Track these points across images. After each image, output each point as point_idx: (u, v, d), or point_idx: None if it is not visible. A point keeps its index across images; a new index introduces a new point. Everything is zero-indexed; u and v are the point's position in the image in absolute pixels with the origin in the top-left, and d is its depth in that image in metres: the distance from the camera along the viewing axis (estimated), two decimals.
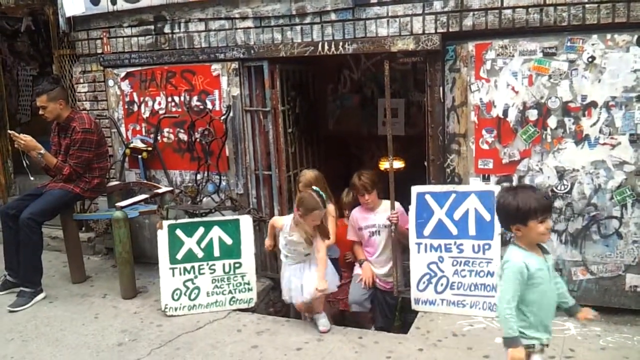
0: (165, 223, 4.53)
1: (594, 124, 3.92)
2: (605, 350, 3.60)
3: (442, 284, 4.23)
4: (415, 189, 4.31)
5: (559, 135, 4.02)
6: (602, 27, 3.81)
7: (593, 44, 3.86)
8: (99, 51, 5.56)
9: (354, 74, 6.51)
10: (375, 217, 4.58)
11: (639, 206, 3.90)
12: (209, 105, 5.06)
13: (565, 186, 4.05)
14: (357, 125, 6.62)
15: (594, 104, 3.91)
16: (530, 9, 3.93)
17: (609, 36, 3.82)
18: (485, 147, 4.24)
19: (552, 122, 4.03)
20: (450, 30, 4.16)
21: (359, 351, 3.78)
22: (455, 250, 4.20)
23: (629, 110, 3.83)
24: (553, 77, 3.97)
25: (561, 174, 4.05)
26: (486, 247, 4.14)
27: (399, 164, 5.95)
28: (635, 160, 3.85)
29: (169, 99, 5.25)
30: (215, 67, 4.97)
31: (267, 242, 4.39)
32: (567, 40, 3.91)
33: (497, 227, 4.12)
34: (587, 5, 3.80)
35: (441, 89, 4.29)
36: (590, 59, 3.86)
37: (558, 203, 4.08)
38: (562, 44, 3.93)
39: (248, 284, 4.60)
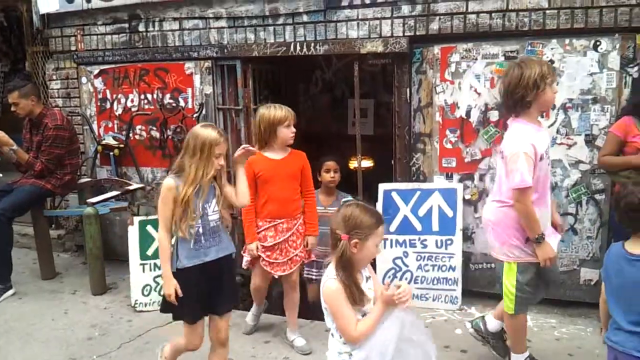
0: (136, 219, 4.57)
1: (552, 124, 4.09)
2: (559, 341, 3.76)
3: (406, 278, 4.37)
4: (382, 187, 4.44)
5: None
6: (561, 32, 3.99)
7: (552, 48, 4.03)
8: (73, 48, 5.57)
9: (325, 75, 6.63)
10: (547, 134, 3.29)
11: (593, 203, 4.08)
12: (182, 103, 5.13)
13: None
14: (327, 124, 6.73)
15: (552, 106, 4.07)
16: (493, 14, 4.09)
17: (567, 41, 4.00)
18: (449, 146, 4.39)
19: None
20: (417, 33, 4.30)
21: (325, 343, 3.86)
22: (420, 246, 4.35)
23: (585, 112, 4.01)
24: None
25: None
26: (448, 242, 4.30)
27: (368, 163, 6.07)
28: (590, 160, 4.03)
29: (142, 97, 5.30)
30: (189, 66, 5.04)
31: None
32: (528, 45, 4.08)
33: (459, 223, 4.27)
34: (547, 12, 3.97)
35: (408, 90, 4.43)
36: (549, 63, 4.03)
37: None
38: (523, 48, 4.09)
39: None
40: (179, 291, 2.98)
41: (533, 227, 3.00)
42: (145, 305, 4.55)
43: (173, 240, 3.05)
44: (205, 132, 2.96)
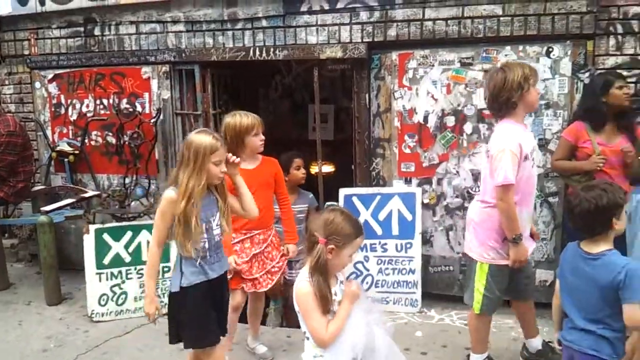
0: (92, 227, 4.48)
1: None
2: (517, 341, 3.82)
3: (367, 282, 4.39)
4: (342, 191, 4.45)
5: (474, 140, 4.27)
6: (515, 39, 4.09)
7: (506, 55, 4.12)
8: (26, 52, 5.44)
9: (285, 80, 6.63)
10: (533, 136, 3.43)
11: (547, 206, 4.18)
12: (139, 108, 5.06)
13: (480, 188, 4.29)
14: (288, 130, 6.73)
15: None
16: (449, 21, 4.17)
17: (521, 47, 4.10)
18: (408, 151, 4.45)
19: (468, 128, 4.27)
20: (376, 39, 4.35)
21: (287, 349, 3.88)
22: (380, 250, 4.38)
23: (538, 117, 4.11)
24: (469, 86, 4.22)
25: (476, 176, 4.28)
26: (408, 245, 4.35)
27: (329, 168, 6.09)
28: (544, 163, 4.13)
29: (98, 102, 5.21)
30: (146, 70, 4.98)
31: None
32: (483, 51, 4.17)
33: (419, 227, 4.32)
34: (501, 19, 4.07)
35: (367, 95, 4.48)
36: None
37: None
38: (478, 55, 4.18)
39: None
40: (160, 311, 2.87)
41: (512, 227, 3.03)
42: (102, 315, 4.46)
43: (176, 257, 2.89)
44: (198, 138, 2.75)
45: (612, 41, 3.91)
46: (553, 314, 2.76)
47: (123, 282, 4.53)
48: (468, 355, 3.49)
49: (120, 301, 4.50)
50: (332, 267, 2.35)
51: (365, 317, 2.39)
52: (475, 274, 3.25)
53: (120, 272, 4.51)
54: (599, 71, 3.91)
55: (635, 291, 2.36)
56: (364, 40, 4.38)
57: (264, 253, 3.59)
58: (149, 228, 4.56)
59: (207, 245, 2.81)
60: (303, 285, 2.33)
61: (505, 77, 3.05)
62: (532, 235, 3.33)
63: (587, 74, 3.97)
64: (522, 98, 3.06)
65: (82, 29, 5.19)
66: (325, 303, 2.30)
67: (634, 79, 3.84)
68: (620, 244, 2.55)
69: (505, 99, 3.06)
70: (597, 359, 2.47)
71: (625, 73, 3.79)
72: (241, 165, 3.35)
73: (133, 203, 5.17)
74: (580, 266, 2.52)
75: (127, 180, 5.16)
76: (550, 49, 4.03)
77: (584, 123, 3.68)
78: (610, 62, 3.92)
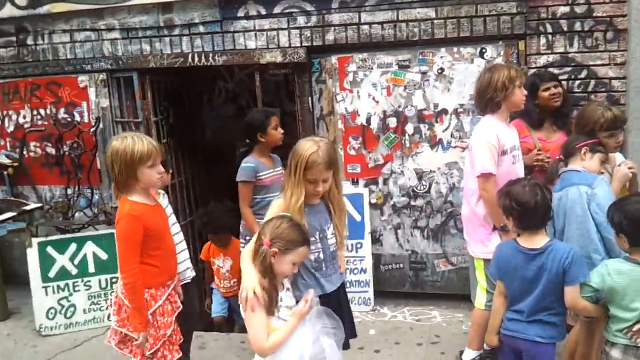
0: (35, 241, 4.41)
1: (446, 129, 4.32)
2: (467, 335, 3.96)
3: None
4: None
5: (416, 141, 4.38)
6: (450, 41, 4.20)
7: (442, 57, 4.24)
8: None
9: (228, 85, 6.58)
10: (517, 136, 3.39)
11: None
12: (78, 118, 4.95)
13: (425, 186, 4.42)
14: (234, 135, 6.67)
15: (445, 112, 4.30)
16: (385, 25, 4.25)
17: (455, 49, 4.21)
18: (353, 153, 4.52)
19: (409, 128, 4.37)
20: (315, 44, 4.39)
21: (240, 355, 3.91)
22: None
23: (476, 117, 4.20)
24: (408, 88, 4.32)
25: (420, 175, 4.41)
26: (359, 246, 4.44)
27: None
28: None
29: (35, 112, 5.07)
30: (83, 79, 4.88)
31: None
32: (419, 54, 4.27)
33: (368, 227, 4.42)
34: (435, 22, 4.17)
35: (310, 99, 4.53)
36: (440, 71, 4.24)
37: (419, 202, 4.45)
38: (415, 57, 4.28)
39: None
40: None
41: (498, 217, 2.98)
42: (52, 329, 4.41)
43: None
44: (300, 146, 2.51)
45: (543, 40, 4.02)
46: (495, 312, 2.79)
47: (71, 294, 4.48)
48: (461, 352, 3.50)
49: (69, 314, 4.46)
50: (277, 272, 2.35)
51: (314, 327, 2.41)
52: (475, 270, 3.33)
53: (67, 285, 4.47)
54: (532, 71, 3.99)
55: (576, 274, 2.50)
56: (303, 44, 4.41)
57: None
58: (94, 239, 4.54)
59: (321, 256, 2.59)
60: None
61: (491, 77, 3.17)
62: None
63: None
64: (506, 98, 3.17)
65: (14, 38, 5.03)
66: (270, 304, 2.31)
67: (565, 77, 3.95)
68: None
69: (490, 98, 3.18)
70: (543, 345, 2.58)
71: (557, 71, 3.90)
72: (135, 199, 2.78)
73: (77, 214, 5.06)
74: (526, 262, 2.58)
75: (70, 192, 5.05)
76: (484, 50, 4.16)
77: (523, 120, 3.69)
78: (543, 61, 4.04)
